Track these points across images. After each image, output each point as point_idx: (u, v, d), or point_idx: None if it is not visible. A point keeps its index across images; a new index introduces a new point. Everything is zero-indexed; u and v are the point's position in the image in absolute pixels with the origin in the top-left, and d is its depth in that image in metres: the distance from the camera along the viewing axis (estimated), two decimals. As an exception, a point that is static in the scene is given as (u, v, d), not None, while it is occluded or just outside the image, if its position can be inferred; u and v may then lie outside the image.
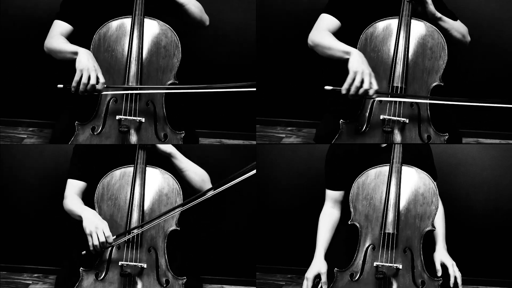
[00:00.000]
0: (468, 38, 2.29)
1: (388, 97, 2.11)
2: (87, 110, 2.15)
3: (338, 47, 2.10)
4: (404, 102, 2.12)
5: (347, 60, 2.05)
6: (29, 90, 2.86)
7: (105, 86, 2.07)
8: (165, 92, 2.17)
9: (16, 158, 2.74)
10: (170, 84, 2.17)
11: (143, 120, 2.13)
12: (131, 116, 2.12)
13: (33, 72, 2.84)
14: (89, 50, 2.12)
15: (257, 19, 2.81)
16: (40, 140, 2.85)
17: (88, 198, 2.18)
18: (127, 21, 2.15)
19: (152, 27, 2.17)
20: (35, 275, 2.76)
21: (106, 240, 1.99)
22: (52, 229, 2.72)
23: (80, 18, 2.21)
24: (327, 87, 2.02)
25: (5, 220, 2.76)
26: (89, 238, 2.00)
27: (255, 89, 2.12)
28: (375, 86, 2.02)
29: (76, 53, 2.08)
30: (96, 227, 2.00)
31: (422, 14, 2.16)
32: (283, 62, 2.96)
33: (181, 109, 2.29)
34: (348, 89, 2.01)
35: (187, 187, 2.21)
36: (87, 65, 2.04)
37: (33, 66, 2.83)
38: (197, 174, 2.25)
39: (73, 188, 2.21)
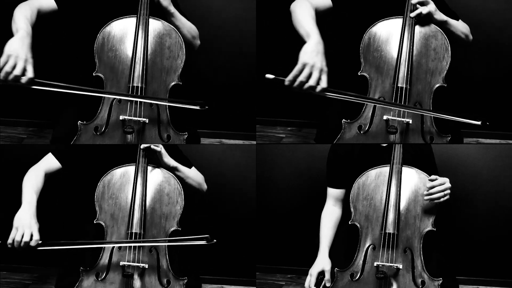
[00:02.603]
0: (471, 37, 2.29)
1: (390, 104, 2.10)
2: (89, 110, 2.13)
3: (303, 24, 1.98)
4: (407, 103, 2.12)
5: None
6: (29, 89, 2.85)
7: (33, 80, 1.90)
8: (168, 94, 2.16)
9: (16, 158, 2.74)
10: (174, 85, 2.15)
11: (147, 121, 2.12)
12: (135, 117, 2.12)
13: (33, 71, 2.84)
14: (93, 48, 2.10)
15: (257, 17, 2.81)
16: (40, 140, 2.85)
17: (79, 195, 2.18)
18: (131, 21, 2.14)
19: (157, 28, 2.16)
20: (35, 275, 2.76)
21: (29, 242, 1.92)
22: (52, 229, 2.71)
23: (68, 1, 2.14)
24: (268, 76, 1.88)
25: (5, 220, 2.75)
26: (14, 231, 1.93)
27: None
28: (324, 84, 1.87)
29: (17, 31, 1.91)
30: (29, 225, 1.93)
31: (429, 21, 2.15)
32: (283, 61, 2.96)
33: (184, 110, 2.27)
34: (292, 81, 1.87)
35: (187, 190, 2.22)
36: (16, 51, 1.86)
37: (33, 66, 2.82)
38: (195, 180, 2.25)
39: (47, 164, 2.16)
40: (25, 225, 1.93)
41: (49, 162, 2.17)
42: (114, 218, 2.08)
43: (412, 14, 2.11)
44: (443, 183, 2.00)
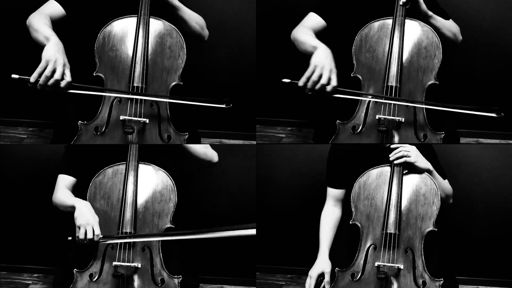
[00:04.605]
0: (460, 37, 2.29)
1: (382, 98, 2.11)
2: (90, 110, 2.12)
3: (309, 41, 2.13)
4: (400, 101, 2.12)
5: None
6: (29, 90, 2.85)
7: (71, 84, 1.95)
8: (169, 94, 2.16)
9: (16, 158, 2.74)
10: (174, 85, 2.15)
11: (147, 121, 2.12)
12: (135, 117, 2.11)
13: (33, 72, 2.83)
14: (94, 48, 2.09)
15: (257, 18, 2.81)
16: (40, 140, 2.85)
17: (79, 196, 2.16)
18: (132, 21, 2.13)
19: (157, 27, 2.15)
20: (35, 275, 2.76)
21: (93, 238, 1.96)
22: (52, 229, 2.72)
23: (75, 6, 2.16)
24: (284, 80, 2.03)
25: (5, 220, 2.75)
26: (77, 230, 1.97)
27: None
28: (334, 83, 2.00)
29: (47, 39, 1.96)
30: (87, 222, 1.96)
31: (414, 12, 2.16)
32: (283, 61, 2.96)
33: (184, 110, 2.27)
34: (306, 82, 2.01)
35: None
36: (54, 56, 1.92)
37: (33, 66, 2.82)
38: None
39: (63, 182, 2.17)
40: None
41: (64, 180, 2.17)
42: (106, 218, 2.07)
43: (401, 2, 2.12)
44: (403, 149, 2.06)
